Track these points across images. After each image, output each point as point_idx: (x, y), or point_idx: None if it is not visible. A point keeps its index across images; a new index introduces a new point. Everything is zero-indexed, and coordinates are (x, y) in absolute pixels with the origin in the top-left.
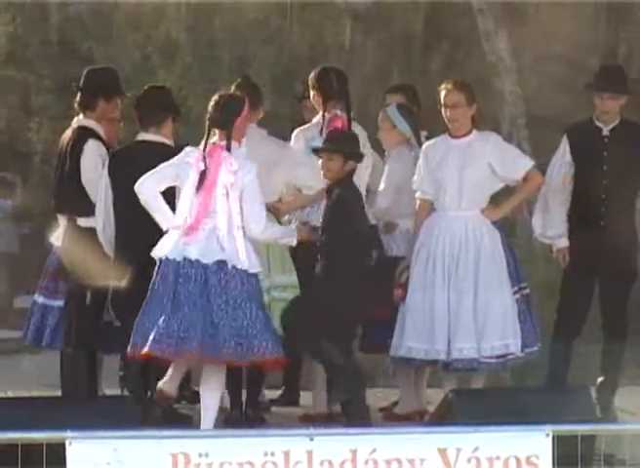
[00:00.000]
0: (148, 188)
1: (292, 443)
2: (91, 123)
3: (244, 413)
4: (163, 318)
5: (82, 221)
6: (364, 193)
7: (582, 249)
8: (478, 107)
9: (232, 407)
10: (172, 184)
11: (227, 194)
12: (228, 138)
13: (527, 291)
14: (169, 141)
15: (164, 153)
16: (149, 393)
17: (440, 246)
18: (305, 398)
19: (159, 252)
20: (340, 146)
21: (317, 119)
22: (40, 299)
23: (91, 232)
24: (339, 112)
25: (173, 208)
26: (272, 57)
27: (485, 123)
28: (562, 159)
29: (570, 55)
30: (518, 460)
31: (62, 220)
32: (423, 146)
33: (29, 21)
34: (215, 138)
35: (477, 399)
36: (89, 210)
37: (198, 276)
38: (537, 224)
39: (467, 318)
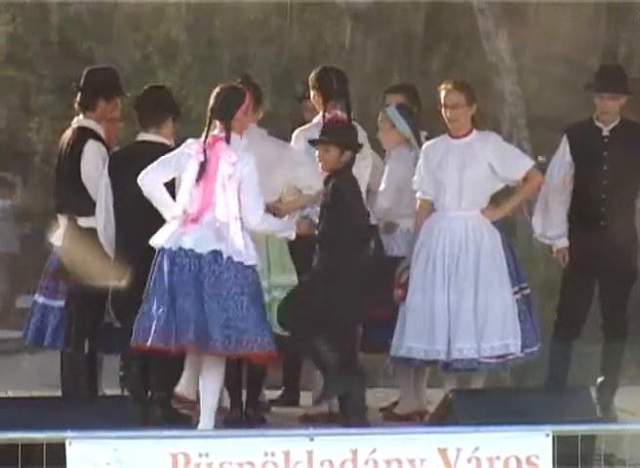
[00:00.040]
0: (151, 180)
1: (292, 443)
2: (91, 123)
3: (244, 413)
4: (161, 309)
5: (82, 221)
6: (364, 193)
7: (583, 249)
8: (478, 107)
9: (232, 407)
10: (174, 176)
11: (226, 186)
12: (228, 130)
13: (527, 291)
14: (169, 142)
15: (164, 153)
16: (149, 393)
17: (440, 246)
18: (305, 398)
19: (156, 241)
20: (335, 137)
21: (317, 119)
22: (40, 299)
23: (91, 232)
24: (339, 112)
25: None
26: (272, 57)
27: (485, 123)
28: (562, 159)
29: (570, 55)
30: (518, 460)
31: (63, 220)
32: (423, 146)
33: (29, 21)
34: (216, 130)
35: (477, 399)
36: (89, 209)
37: (192, 266)
38: (537, 224)
39: (467, 318)
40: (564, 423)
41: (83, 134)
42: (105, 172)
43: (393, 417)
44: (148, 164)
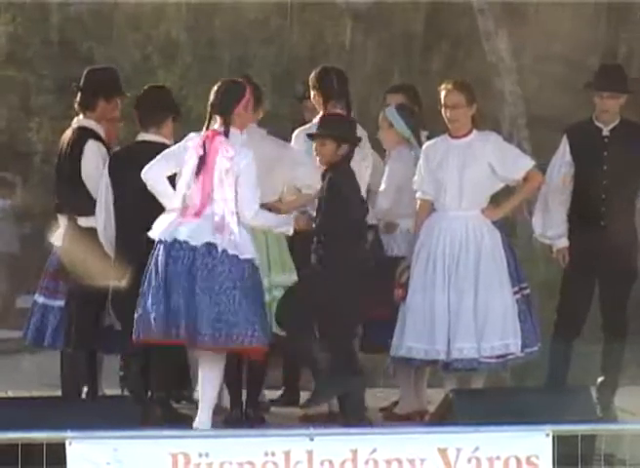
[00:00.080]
0: (155, 174)
1: (292, 443)
2: (91, 123)
3: (244, 413)
4: (155, 303)
5: (82, 221)
6: (364, 193)
7: (583, 249)
8: (478, 107)
9: (232, 407)
10: (176, 170)
11: (223, 180)
12: (226, 124)
13: (527, 291)
14: (169, 142)
15: None
16: (149, 393)
17: (440, 246)
18: (305, 398)
19: (153, 232)
20: (331, 130)
21: (317, 119)
22: (40, 299)
23: (91, 232)
24: (339, 112)
25: None
26: (272, 57)
27: (485, 123)
28: (562, 159)
29: (570, 55)
30: (518, 460)
31: (63, 220)
32: (424, 146)
33: (29, 21)
34: (216, 125)
35: (477, 399)
36: (89, 209)
37: (186, 258)
38: (537, 224)
39: (467, 318)
40: (564, 423)
41: (83, 134)
42: (106, 171)
43: (393, 417)
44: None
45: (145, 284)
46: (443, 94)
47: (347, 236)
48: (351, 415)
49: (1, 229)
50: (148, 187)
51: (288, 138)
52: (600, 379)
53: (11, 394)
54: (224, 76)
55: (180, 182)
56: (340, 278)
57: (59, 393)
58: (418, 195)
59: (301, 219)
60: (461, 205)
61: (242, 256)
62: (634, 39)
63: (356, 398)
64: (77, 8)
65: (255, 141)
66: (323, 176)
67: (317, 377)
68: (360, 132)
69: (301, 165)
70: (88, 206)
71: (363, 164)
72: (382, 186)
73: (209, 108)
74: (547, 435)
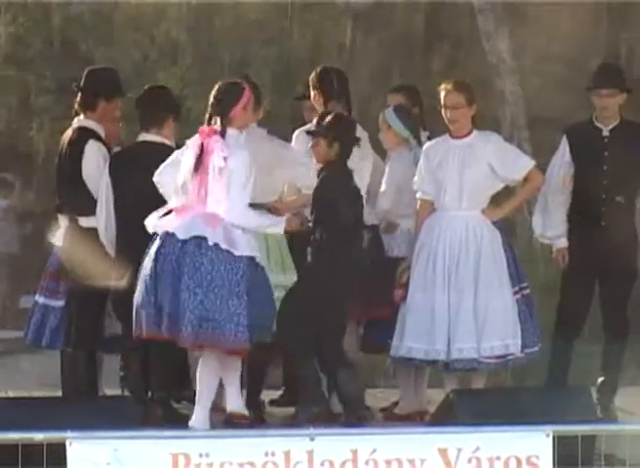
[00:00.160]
0: (165, 178)
1: (292, 443)
2: (91, 123)
3: None
4: (142, 297)
5: (83, 221)
6: (364, 194)
7: (583, 249)
8: (478, 107)
9: None
10: None
11: (217, 179)
12: (224, 125)
13: (527, 291)
14: (169, 142)
15: (165, 154)
16: (150, 393)
17: (440, 246)
18: None
19: (147, 222)
20: (322, 128)
21: (318, 116)
22: (41, 300)
23: (92, 232)
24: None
25: None
26: (273, 57)
27: (485, 123)
28: (562, 159)
29: (570, 55)
30: (518, 460)
31: (63, 221)
32: (424, 147)
33: (30, 22)
34: (216, 126)
35: (478, 399)
36: (90, 209)
37: (174, 254)
38: (537, 224)
39: (467, 318)
40: (564, 423)
41: (83, 134)
42: (106, 171)
43: (394, 417)
44: (149, 165)
45: (139, 278)
46: (443, 94)
47: (337, 236)
48: (349, 411)
49: (1, 229)
50: (160, 191)
51: (288, 138)
52: (600, 379)
53: (11, 394)
54: (225, 76)
55: (178, 180)
56: (330, 276)
57: (59, 393)
58: (418, 195)
59: (293, 221)
60: (462, 205)
61: (237, 253)
62: (634, 39)
63: (351, 392)
64: (78, 8)
65: (255, 141)
66: (318, 175)
67: (301, 391)
68: (360, 132)
69: (301, 165)
70: (88, 206)
71: (363, 164)
72: (383, 187)
73: (209, 109)
74: (548, 435)
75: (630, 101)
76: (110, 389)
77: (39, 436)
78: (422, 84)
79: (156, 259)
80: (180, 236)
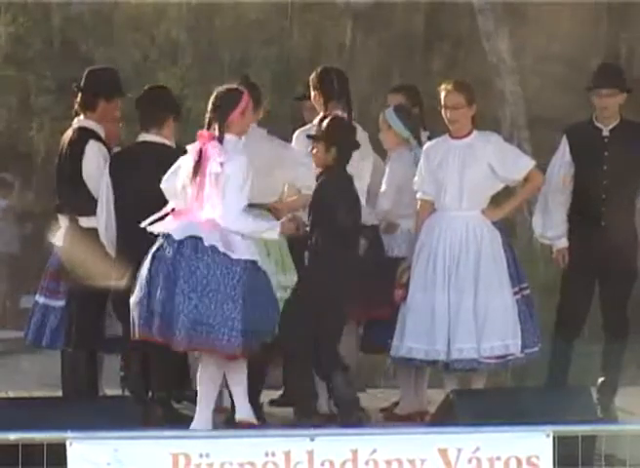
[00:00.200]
0: (172, 184)
1: (292, 443)
2: (91, 124)
3: None
4: (141, 298)
5: (83, 221)
6: (365, 194)
7: (583, 249)
8: (478, 108)
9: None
10: None
11: (213, 185)
12: (221, 132)
13: (527, 291)
14: (170, 142)
15: (165, 154)
16: (150, 393)
17: (441, 246)
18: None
19: (147, 223)
20: (320, 133)
21: (318, 119)
22: (41, 300)
23: (92, 232)
24: (339, 113)
25: None
26: (273, 57)
27: (485, 123)
28: (562, 159)
29: (570, 55)
30: (519, 461)
31: (64, 221)
32: (425, 147)
33: (30, 22)
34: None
35: (478, 399)
36: (90, 209)
37: (170, 258)
38: (537, 225)
39: (467, 318)
40: (564, 423)
41: (84, 134)
42: (107, 172)
43: (394, 418)
44: (149, 164)
45: (137, 279)
46: (443, 94)
47: (334, 240)
48: (344, 413)
49: (1, 229)
50: (167, 197)
51: (288, 138)
52: (600, 380)
53: (11, 394)
54: (225, 76)
55: (178, 185)
56: (327, 281)
57: (59, 393)
58: (418, 195)
59: (287, 226)
60: (462, 205)
61: (235, 256)
62: (634, 39)
63: (346, 396)
64: (78, 8)
65: (255, 142)
66: (317, 179)
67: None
68: (360, 132)
69: (302, 165)
70: (89, 206)
71: (364, 164)
72: (383, 187)
73: (208, 114)
74: (548, 435)
75: (630, 101)
76: (111, 389)
77: (39, 436)
78: (422, 84)
79: (152, 261)
80: (177, 236)
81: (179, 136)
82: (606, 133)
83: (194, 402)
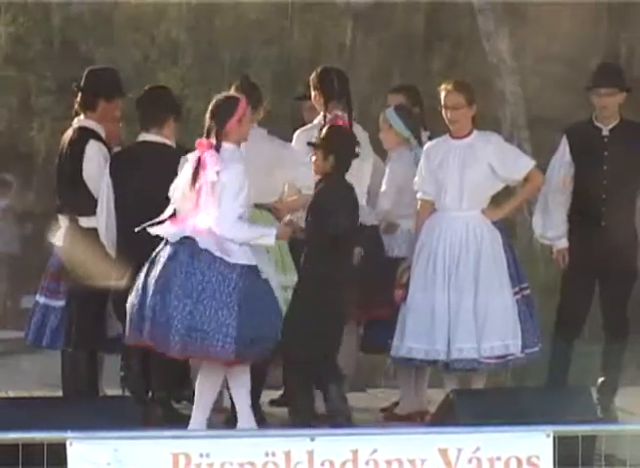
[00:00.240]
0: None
1: (293, 443)
2: (91, 123)
3: None
4: (136, 302)
5: (83, 221)
6: (365, 194)
7: (583, 249)
8: (478, 108)
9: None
10: None
11: (209, 193)
12: (218, 140)
13: (527, 291)
14: (170, 142)
15: (165, 154)
16: (150, 393)
17: (441, 246)
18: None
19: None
20: (319, 141)
21: (318, 120)
22: (41, 300)
23: (92, 232)
24: (340, 113)
25: None
26: (273, 57)
27: (486, 123)
28: (562, 159)
29: (570, 55)
30: (519, 461)
31: (64, 221)
32: (425, 147)
33: (30, 22)
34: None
35: (478, 399)
36: (90, 209)
37: (165, 260)
38: (537, 225)
39: (467, 318)
40: (564, 423)
41: (84, 134)
42: (107, 172)
43: (394, 418)
44: (150, 164)
45: (136, 282)
46: (443, 94)
47: (330, 247)
48: (334, 417)
49: (1, 229)
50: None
51: (288, 138)
52: (600, 380)
53: (11, 394)
54: (225, 76)
55: (177, 193)
56: (323, 287)
57: (59, 393)
58: (418, 195)
59: (284, 230)
60: (462, 205)
61: (232, 260)
62: (634, 39)
63: (340, 408)
64: (78, 8)
65: (255, 141)
66: (316, 186)
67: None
68: (361, 133)
69: (302, 165)
70: (89, 206)
71: (364, 165)
72: (383, 187)
73: (206, 122)
74: (548, 435)
75: (630, 101)
76: (111, 389)
77: (39, 436)
78: (423, 84)
79: (149, 266)
80: (172, 239)
81: (179, 135)
82: (606, 132)
83: (194, 402)
